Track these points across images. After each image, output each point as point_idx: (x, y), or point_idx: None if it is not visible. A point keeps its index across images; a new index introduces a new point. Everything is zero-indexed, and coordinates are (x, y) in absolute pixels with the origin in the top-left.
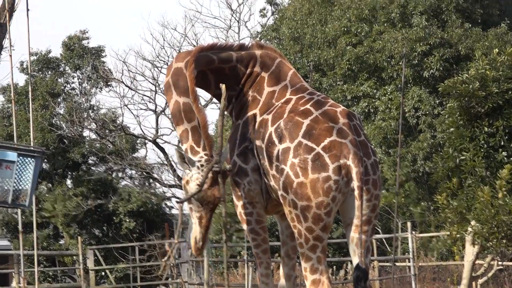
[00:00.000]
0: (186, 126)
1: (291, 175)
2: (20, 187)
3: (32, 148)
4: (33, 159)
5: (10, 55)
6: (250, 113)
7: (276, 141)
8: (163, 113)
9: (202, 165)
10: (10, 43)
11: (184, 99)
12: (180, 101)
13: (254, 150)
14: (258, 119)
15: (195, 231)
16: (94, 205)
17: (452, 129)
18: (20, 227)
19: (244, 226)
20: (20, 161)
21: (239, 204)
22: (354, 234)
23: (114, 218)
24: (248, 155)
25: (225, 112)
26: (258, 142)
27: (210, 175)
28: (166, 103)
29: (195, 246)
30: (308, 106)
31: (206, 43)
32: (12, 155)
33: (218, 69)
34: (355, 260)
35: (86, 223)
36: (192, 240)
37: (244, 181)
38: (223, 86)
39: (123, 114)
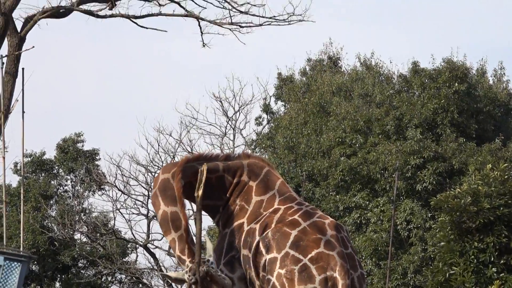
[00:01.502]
0: (173, 235)
1: (277, 285)
2: None
3: (18, 252)
4: (19, 263)
5: (3, 157)
6: (237, 222)
7: (264, 251)
8: (154, 218)
9: (188, 276)
10: (4, 144)
11: (171, 209)
12: (168, 211)
13: (240, 259)
14: (246, 228)
15: None
16: None
17: (442, 243)
18: None
19: None
20: (6, 265)
21: None
22: None
23: None
24: (234, 264)
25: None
26: (245, 252)
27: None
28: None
29: None
30: (296, 216)
31: (200, 150)
32: None
33: (205, 179)
34: None
35: None
36: None
37: None
38: (203, 168)
39: (115, 218)
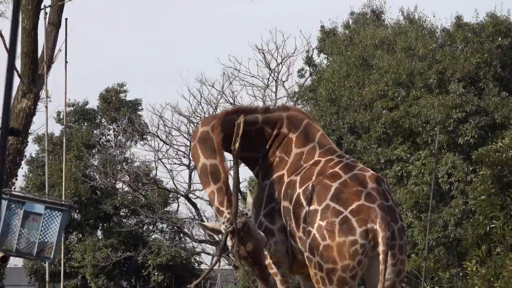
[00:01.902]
0: (212, 187)
1: (318, 237)
2: (45, 240)
3: (59, 201)
4: (60, 213)
5: (46, 106)
6: (277, 174)
7: (304, 203)
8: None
9: (226, 226)
10: (47, 94)
11: (211, 161)
12: (207, 163)
13: (280, 210)
14: (286, 180)
15: None
16: (123, 257)
17: (483, 196)
18: (47, 276)
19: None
20: (47, 214)
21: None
22: None
23: (143, 270)
24: (274, 216)
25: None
26: (285, 203)
27: (229, 238)
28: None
29: None
30: (337, 169)
31: (242, 102)
32: (39, 208)
33: (244, 131)
34: None
35: (114, 275)
36: None
37: (270, 241)
38: (240, 120)
39: (156, 168)
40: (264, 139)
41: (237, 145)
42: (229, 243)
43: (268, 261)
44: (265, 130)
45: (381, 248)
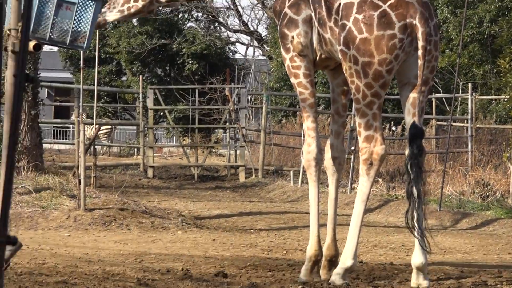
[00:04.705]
0: None
1: (354, 30)
2: (79, 29)
3: None
4: (93, 2)
5: None
6: None
7: None
8: None
9: None
10: None
11: None
12: None
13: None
14: None
15: None
16: (158, 44)
17: None
18: (81, 63)
19: (292, 80)
20: (81, 3)
21: (287, 57)
22: (412, 94)
23: (177, 59)
24: (300, 6)
25: None
26: None
27: None
28: None
29: None
30: None
31: None
32: None
33: None
34: (409, 119)
35: (149, 62)
36: None
37: (293, 33)
38: None
39: None
40: None
41: None
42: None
43: (291, 54)
44: None
45: (420, 43)
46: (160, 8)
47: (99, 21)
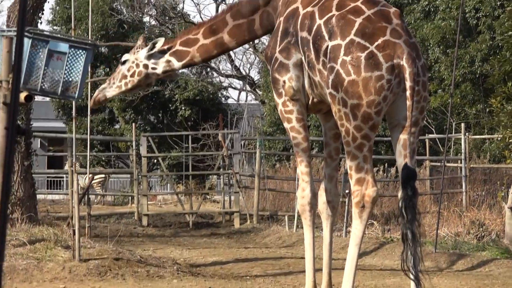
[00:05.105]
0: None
1: (342, 73)
2: (70, 79)
3: (84, 40)
4: (84, 51)
5: None
6: (291, 8)
7: (326, 36)
8: (223, 2)
9: None
10: None
11: None
12: None
13: (297, 43)
14: (302, 11)
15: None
16: (150, 91)
17: (510, 32)
18: (74, 112)
19: (285, 124)
20: (71, 53)
21: (279, 101)
22: (402, 136)
23: (170, 105)
24: (290, 50)
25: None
26: (303, 34)
27: None
28: None
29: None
30: (359, 3)
31: None
32: (63, 47)
33: None
34: (400, 161)
35: (141, 109)
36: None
37: (284, 77)
38: None
39: (183, 1)
40: None
41: None
42: None
43: (283, 98)
44: None
45: (408, 83)
46: (159, 80)
47: (99, 98)
